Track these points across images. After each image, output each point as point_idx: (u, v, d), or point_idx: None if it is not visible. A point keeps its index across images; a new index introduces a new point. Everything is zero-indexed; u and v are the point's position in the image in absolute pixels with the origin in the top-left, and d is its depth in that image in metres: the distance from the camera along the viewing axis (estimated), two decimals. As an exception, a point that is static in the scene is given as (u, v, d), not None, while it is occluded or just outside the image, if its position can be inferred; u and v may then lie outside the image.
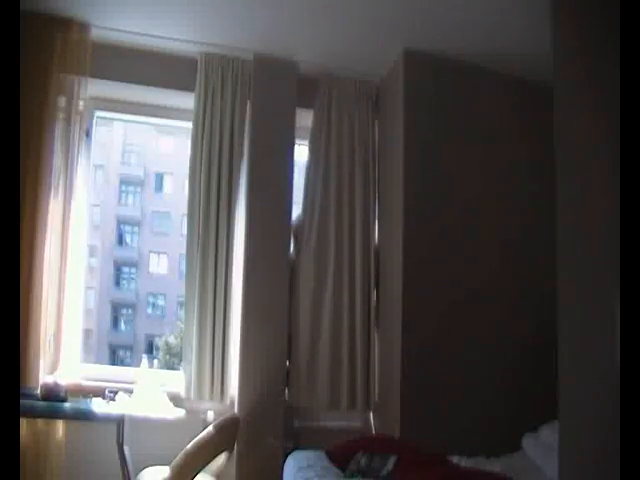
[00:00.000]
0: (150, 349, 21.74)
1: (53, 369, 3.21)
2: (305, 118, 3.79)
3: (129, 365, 20.51)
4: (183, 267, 3.95)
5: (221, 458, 3.13)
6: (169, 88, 3.72)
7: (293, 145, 3.76)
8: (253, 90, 3.69)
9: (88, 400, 3.07)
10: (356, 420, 3.68)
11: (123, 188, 24.17)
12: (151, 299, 23.66)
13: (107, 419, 2.94)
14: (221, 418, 3.21)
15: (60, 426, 3.19)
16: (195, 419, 3.35)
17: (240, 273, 3.55)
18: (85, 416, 2.94)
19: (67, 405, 2.91)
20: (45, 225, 3.25)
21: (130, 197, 24.32)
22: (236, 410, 3.41)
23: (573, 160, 1.93)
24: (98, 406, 2.99)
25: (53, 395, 2.91)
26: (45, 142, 3.31)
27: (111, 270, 23.40)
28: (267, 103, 3.72)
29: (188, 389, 3.40)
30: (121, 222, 23.97)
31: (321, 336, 3.63)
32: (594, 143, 1.82)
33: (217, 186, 3.56)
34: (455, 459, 2.81)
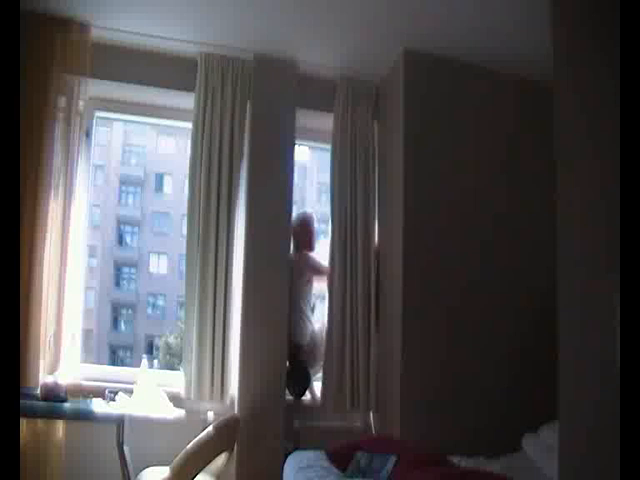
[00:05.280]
0: (150, 349, 21.76)
1: (53, 369, 3.21)
2: (306, 118, 3.79)
3: (129, 365, 20.50)
4: (183, 267, 3.95)
5: (221, 458, 3.13)
6: (169, 88, 3.72)
7: (293, 145, 3.76)
8: (253, 90, 3.69)
9: (88, 400, 3.07)
10: (356, 420, 3.68)
11: (123, 188, 24.20)
12: (151, 299, 23.69)
13: (107, 419, 2.94)
14: (221, 418, 3.21)
15: (60, 426, 3.19)
16: (195, 419, 3.35)
17: (240, 273, 3.55)
18: (85, 416, 2.94)
19: (67, 405, 2.91)
20: (45, 225, 3.25)
21: (130, 197, 24.35)
22: (236, 410, 3.41)
23: (573, 160, 1.93)
24: (98, 406, 2.99)
25: (53, 395, 2.91)
26: (45, 142, 3.31)
27: (111, 270, 23.43)
28: (267, 103, 3.72)
29: (188, 389, 3.40)
30: (121, 222, 24.00)
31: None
32: (594, 143, 1.82)
33: (217, 186, 3.56)
34: (455, 459, 2.81)
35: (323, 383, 3.64)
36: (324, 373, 3.66)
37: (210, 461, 2.98)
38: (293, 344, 3.65)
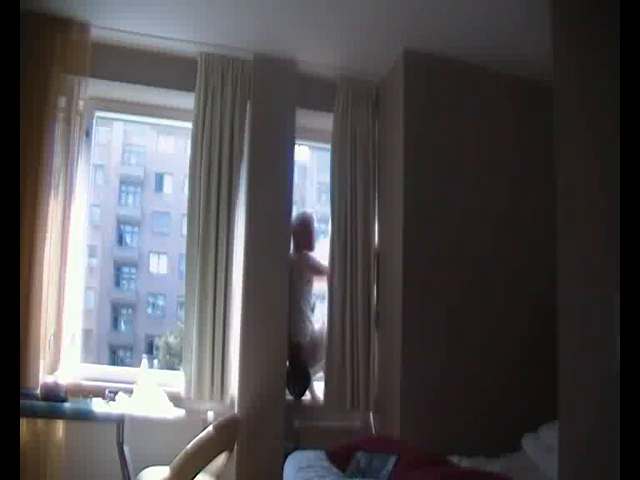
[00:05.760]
0: (150, 349, 21.77)
1: (53, 369, 3.21)
2: (306, 118, 3.79)
3: (129, 365, 20.52)
4: (183, 267, 3.95)
5: (221, 458, 3.13)
6: (169, 88, 3.72)
7: (293, 145, 3.76)
8: (253, 90, 3.69)
9: (88, 400, 3.07)
10: (356, 420, 3.68)
11: (123, 188, 24.22)
12: (151, 299, 23.70)
13: (107, 419, 2.94)
14: (221, 418, 3.21)
15: (60, 426, 3.19)
16: (195, 419, 3.35)
17: (240, 273, 3.55)
18: (85, 416, 2.94)
19: (67, 405, 2.91)
20: (45, 225, 3.25)
21: (130, 197, 24.37)
22: (236, 410, 3.41)
23: (573, 160, 1.93)
24: (98, 406, 2.99)
25: (53, 395, 2.91)
26: (45, 142, 3.31)
27: (111, 270, 23.44)
28: (267, 103, 3.72)
29: (188, 389, 3.40)
30: (121, 222, 24.01)
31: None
32: (594, 143, 1.82)
33: (217, 186, 3.56)
34: (455, 459, 2.81)
35: (326, 383, 3.63)
36: (325, 373, 3.66)
37: (210, 461, 2.98)
38: (293, 344, 3.65)
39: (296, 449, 3.03)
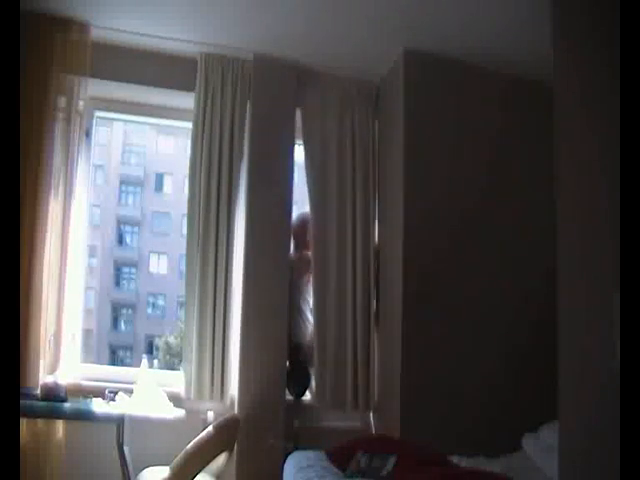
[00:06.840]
0: (150, 349, 21.77)
1: (53, 369, 3.21)
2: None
3: (129, 365, 20.52)
4: (183, 267, 3.95)
5: (221, 458, 3.13)
6: (169, 88, 3.72)
7: (293, 145, 3.76)
8: (253, 90, 3.69)
9: (88, 400, 3.07)
10: (356, 420, 3.68)
11: (123, 188, 24.22)
12: (151, 299, 23.70)
13: (107, 419, 2.94)
14: (221, 418, 3.21)
15: (60, 426, 3.19)
16: (195, 419, 3.35)
17: (240, 273, 3.55)
18: (85, 416, 2.94)
19: (67, 405, 2.91)
20: (45, 225, 3.25)
21: (130, 197, 24.37)
22: (236, 410, 3.41)
23: (573, 159, 1.93)
24: (98, 406, 2.99)
25: (53, 395, 2.91)
26: (45, 142, 3.31)
27: (111, 270, 23.44)
28: (267, 103, 3.72)
29: (188, 389, 3.40)
30: (121, 222, 24.00)
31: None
32: (594, 142, 1.82)
33: (217, 186, 3.56)
34: (455, 459, 2.80)
35: (317, 382, 3.61)
36: (315, 371, 3.63)
37: (210, 461, 2.98)
38: (293, 344, 3.65)
39: (296, 449, 3.03)
